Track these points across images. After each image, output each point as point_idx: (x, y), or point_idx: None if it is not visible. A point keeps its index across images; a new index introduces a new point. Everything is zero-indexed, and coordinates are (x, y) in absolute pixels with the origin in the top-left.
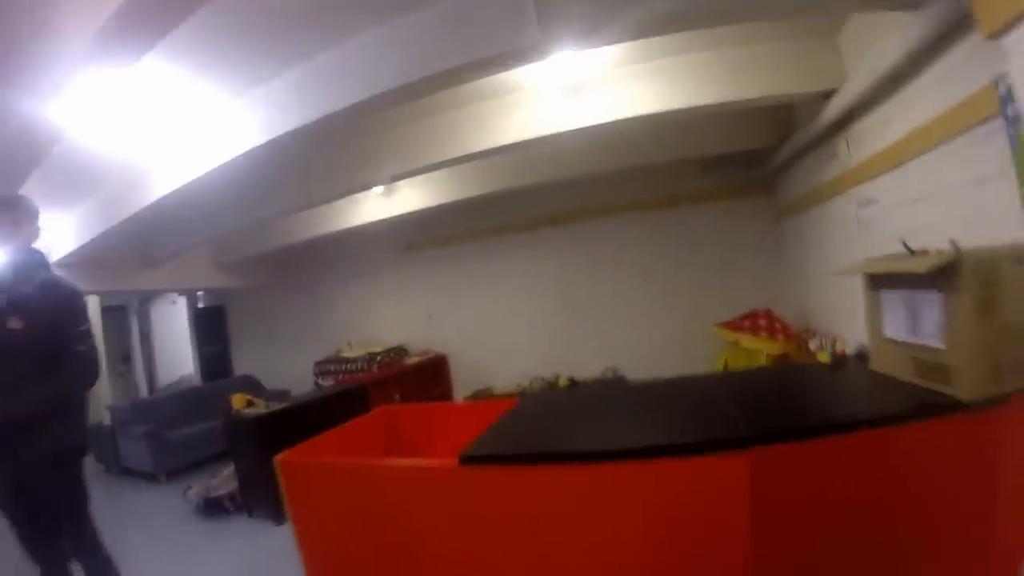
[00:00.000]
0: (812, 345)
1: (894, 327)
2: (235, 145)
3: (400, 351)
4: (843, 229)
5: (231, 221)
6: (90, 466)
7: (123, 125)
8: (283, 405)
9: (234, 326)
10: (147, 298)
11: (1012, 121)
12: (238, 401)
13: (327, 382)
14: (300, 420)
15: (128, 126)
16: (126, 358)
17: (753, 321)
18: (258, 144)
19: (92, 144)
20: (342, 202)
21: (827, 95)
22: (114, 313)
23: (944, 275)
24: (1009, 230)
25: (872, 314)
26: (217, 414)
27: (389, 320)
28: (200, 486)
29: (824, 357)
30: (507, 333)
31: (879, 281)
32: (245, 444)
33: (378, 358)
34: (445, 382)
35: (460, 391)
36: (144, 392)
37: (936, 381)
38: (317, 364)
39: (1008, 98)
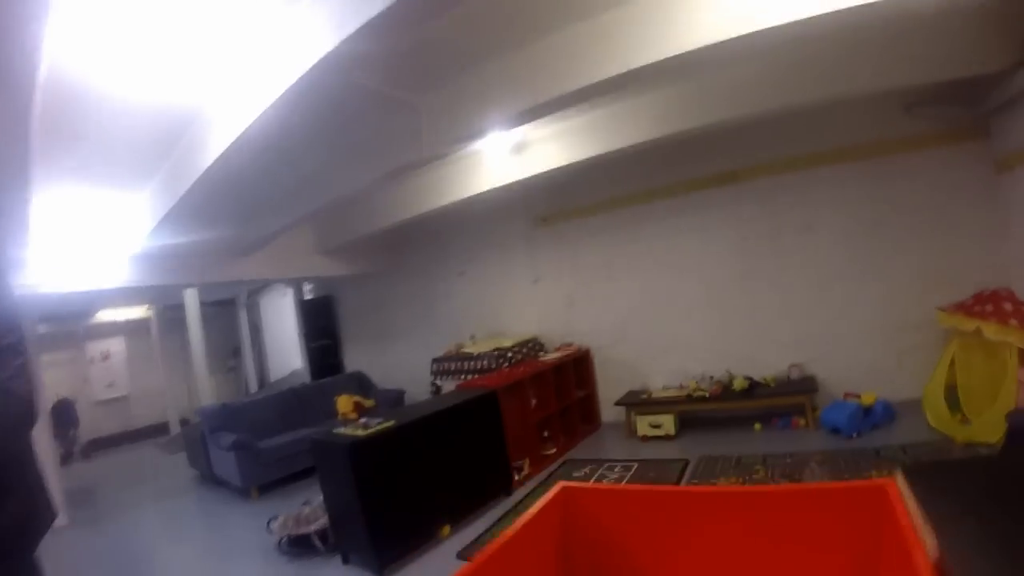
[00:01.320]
0: None
1: None
2: (301, 61)
3: (534, 345)
4: None
5: (327, 192)
6: (185, 471)
7: (162, 66)
8: (387, 424)
9: (343, 318)
10: (257, 290)
11: None
12: (344, 404)
13: (447, 383)
14: (411, 442)
15: (169, 67)
16: (235, 352)
17: (996, 304)
18: (329, 50)
19: (138, 99)
20: (461, 167)
21: None
22: (220, 307)
23: None
24: None
25: None
26: (321, 418)
27: (520, 309)
28: (286, 517)
29: None
30: (666, 322)
31: None
32: (338, 473)
33: (508, 355)
34: (589, 382)
35: (607, 393)
36: (254, 387)
37: None
38: (435, 362)
39: None
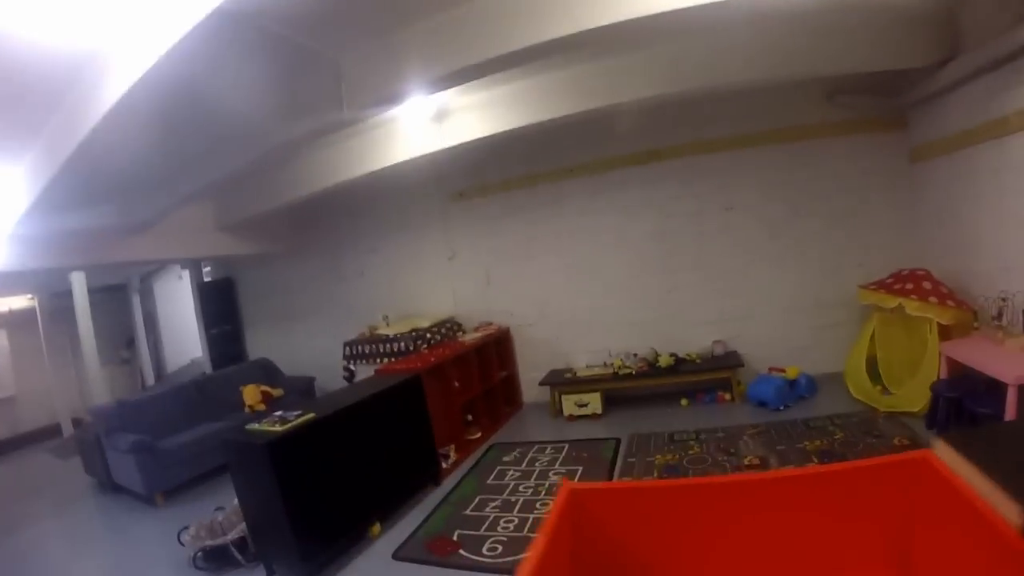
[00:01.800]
0: None
1: None
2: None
3: (452, 326)
4: None
5: (233, 159)
6: (81, 478)
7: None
8: (306, 417)
9: (245, 301)
10: (150, 274)
11: None
12: (251, 394)
13: (362, 368)
14: (333, 435)
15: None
16: (129, 342)
17: (915, 283)
18: None
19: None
20: (376, 136)
21: None
22: (111, 293)
23: None
24: None
25: None
26: (226, 410)
27: (435, 288)
28: (199, 527)
29: None
30: (588, 300)
31: None
32: (256, 475)
33: (427, 336)
34: (510, 363)
35: (528, 373)
36: (151, 380)
37: None
38: (348, 345)
39: None
